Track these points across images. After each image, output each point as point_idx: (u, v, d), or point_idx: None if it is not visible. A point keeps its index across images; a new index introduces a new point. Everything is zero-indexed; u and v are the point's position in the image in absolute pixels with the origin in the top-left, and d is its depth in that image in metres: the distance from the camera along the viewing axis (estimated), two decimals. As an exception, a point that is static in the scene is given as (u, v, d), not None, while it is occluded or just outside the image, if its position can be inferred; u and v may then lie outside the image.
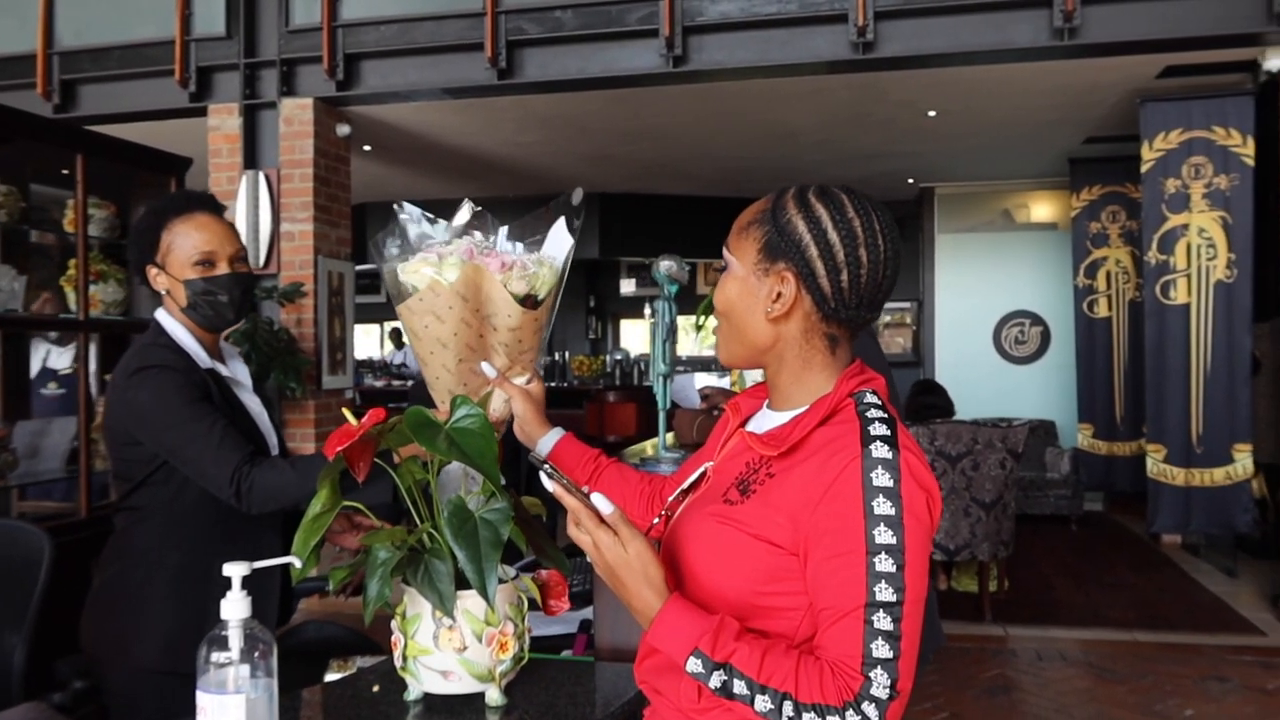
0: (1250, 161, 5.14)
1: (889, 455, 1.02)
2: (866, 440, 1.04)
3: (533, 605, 1.41)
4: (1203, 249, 5.26)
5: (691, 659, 1.03)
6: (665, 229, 9.65)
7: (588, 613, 1.90)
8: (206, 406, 1.75)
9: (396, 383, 9.57)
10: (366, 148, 7.10)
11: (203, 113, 5.48)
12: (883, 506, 1.00)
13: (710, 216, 9.81)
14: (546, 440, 1.46)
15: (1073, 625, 4.93)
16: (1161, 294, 5.36)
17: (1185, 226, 5.28)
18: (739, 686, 1.00)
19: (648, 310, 1.63)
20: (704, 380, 2.73)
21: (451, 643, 1.29)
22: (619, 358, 9.82)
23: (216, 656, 1.06)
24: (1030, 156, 7.80)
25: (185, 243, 1.82)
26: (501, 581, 1.28)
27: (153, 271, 1.86)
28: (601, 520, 1.10)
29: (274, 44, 5.36)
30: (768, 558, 1.06)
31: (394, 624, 1.34)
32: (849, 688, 0.97)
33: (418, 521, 1.34)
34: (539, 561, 1.41)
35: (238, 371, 1.95)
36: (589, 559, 1.13)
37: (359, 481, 1.27)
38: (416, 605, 1.31)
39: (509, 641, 1.32)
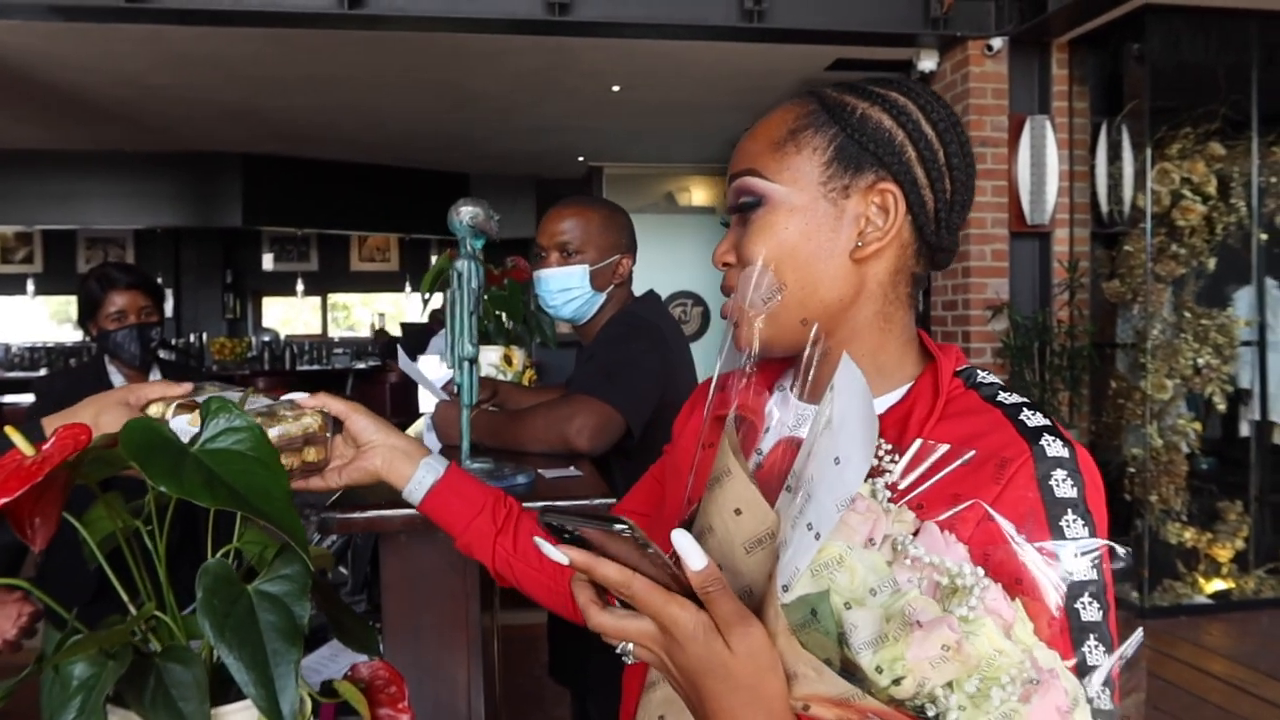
0: (903, 154, 5.58)
1: (1065, 454, 0.70)
2: (1031, 435, 0.71)
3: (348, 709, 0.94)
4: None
5: None
6: (316, 198, 8.75)
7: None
8: None
9: (10, 374, 7.76)
10: (-64, 76, 5.65)
11: None
12: (1074, 527, 0.68)
13: (367, 187, 9.06)
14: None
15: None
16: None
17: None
18: None
19: (454, 273, 1.17)
20: (435, 363, 2.28)
21: (202, 792, 0.81)
22: (267, 339, 8.79)
23: None
24: (697, 141, 7.99)
25: None
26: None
27: None
28: (683, 588, 0.57)
29: None
30: None
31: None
32: None
33: (129, 605, 0.83)
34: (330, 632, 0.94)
35: None
36: (626, 652, 0.62)
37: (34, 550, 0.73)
38: (139, 739, 0.81)
39: (296, 773, 0.86)
